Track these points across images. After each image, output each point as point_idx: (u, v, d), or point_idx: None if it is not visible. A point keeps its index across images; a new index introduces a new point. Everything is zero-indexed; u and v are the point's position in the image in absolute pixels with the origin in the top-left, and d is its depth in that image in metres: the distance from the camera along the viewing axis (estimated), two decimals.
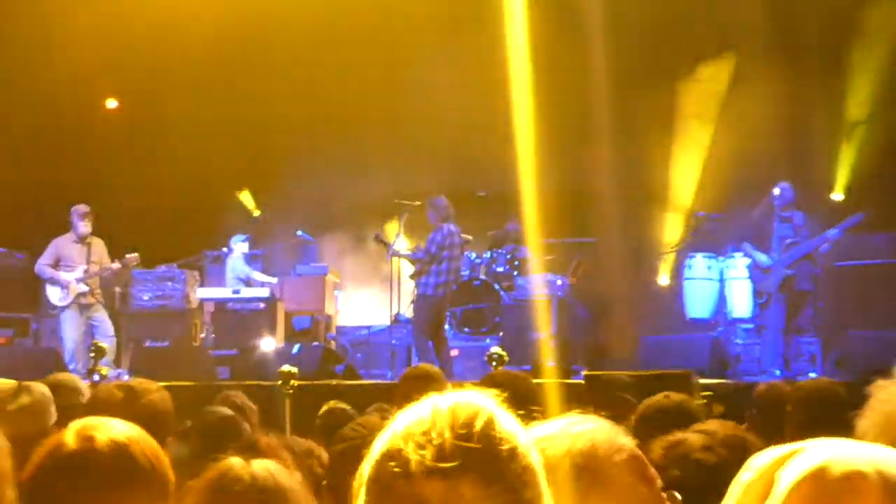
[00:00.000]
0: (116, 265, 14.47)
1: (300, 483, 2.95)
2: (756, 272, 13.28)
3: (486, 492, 1.62)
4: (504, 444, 1.68)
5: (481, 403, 1.73)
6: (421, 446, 1.64)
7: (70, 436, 2.53)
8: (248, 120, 17.60)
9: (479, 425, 1.67)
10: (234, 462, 2.87)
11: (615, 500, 2.26)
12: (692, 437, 3.39)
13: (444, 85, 16.45)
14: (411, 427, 1.69)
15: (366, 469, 1.71)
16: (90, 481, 2.46)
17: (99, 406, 3.93)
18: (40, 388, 5.28)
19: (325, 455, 4.55)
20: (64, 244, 14.41)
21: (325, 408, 7.15)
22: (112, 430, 2.57)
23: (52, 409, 5.21)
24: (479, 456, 1.65)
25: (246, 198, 19.37)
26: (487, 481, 1.63)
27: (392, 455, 1.67)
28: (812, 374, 12.57)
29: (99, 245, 14.53)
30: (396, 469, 1.65)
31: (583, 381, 10.55)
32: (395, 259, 15.30)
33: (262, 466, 2.89)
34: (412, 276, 14.54)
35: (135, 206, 17.61)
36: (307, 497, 2.98)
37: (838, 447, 1.61)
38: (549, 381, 11.74)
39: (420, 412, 1.71)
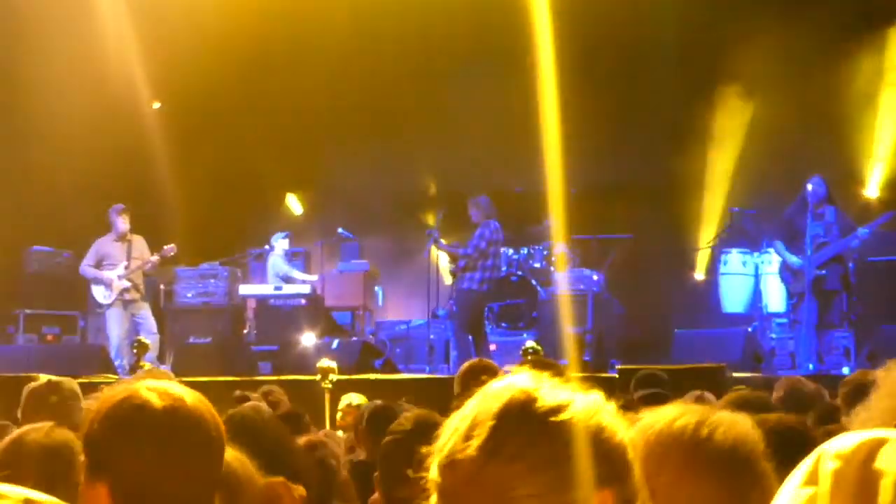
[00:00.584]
0: (156, 258, 14.73)
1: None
2: (786, 273, 13.31)
3: (540, 478, 1.63)
4: (532, 416, 1.67)
5: (533, 386, 1.71)
6: (471, 435, 1.66)
7: (151, 395, 2.47)
8: (290, 119, 17.78)
9: (532, 409, 1.67)
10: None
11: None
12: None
13: (481, 82, 16.61)
14: (470, 413, 1.69)
15: (435, 455, 1.71)
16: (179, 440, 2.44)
17: None
18: (70, 384, 5.51)
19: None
20: (105, 243, 14.71)
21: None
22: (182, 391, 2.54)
23: (80, 403, 5.45)
24: (531, 440, 1.65)
25: (292, 199, 19.57)
26: (539, 466, 1.63)
27: (451, 441, 1.68)
28: (846, 369, 12.65)
29: (140, 242, 14.81)
30: (456, 454, 1.66)
31: (617, 375, 10.70)
32: (433, 256, 15.46)
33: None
34: (454, 273, 14.68)
35: (179, 205, 17.87)
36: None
37: None
38: (584, 374, 11.95)
39: (479, 399, 1.71)
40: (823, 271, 12.79)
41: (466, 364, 7.62)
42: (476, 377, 6.25)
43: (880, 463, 1.52)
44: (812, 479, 1.60)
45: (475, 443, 1.64)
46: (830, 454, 1.59)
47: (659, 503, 2.16)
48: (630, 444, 1.75)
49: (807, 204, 12.87)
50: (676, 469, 2.30)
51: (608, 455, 1.70)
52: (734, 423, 2.40)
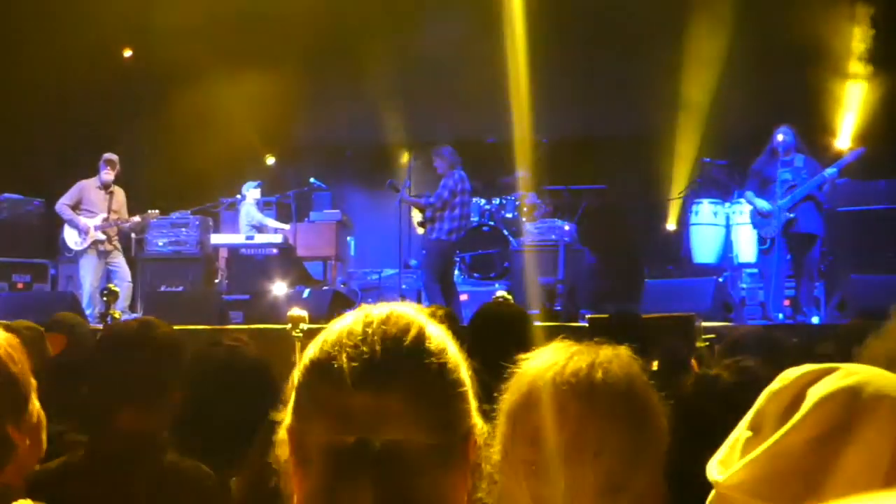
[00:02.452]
0: (136, 219, 14.71)
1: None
2: (757, 218, 13.32)
3: (414, 406, 1.62)
4: (434, 358, 1.67)
5: (414, 316, 1.71)
6: (352, 358, 1.63)
7: None
8: (262, 68, 17.71)
9: (409, 338, 1.66)
10: None
11: None
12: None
13: (455, 31, 16.55)
14: (343, 336, 1.67)
15: (296, 375, 1.71)
16: None
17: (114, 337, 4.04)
18: (27, 325, 5.49)
19: None
20: (88, 188, 14.63)
21: None
22: None
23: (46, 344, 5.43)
24: (408, 368, 1.64)
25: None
26: (416, 395, 1.63)
27: (322, 364, 1.66)
28: (815, 319, 12.73)
29: (120, 194, 14.76)
30: (326, 378, 1.64)
31: (588, 325, 10.74)
32: (405, 205, 15.48)
33: None
34: (421, 224, 14.71)
35: (150, 153, 17.80)
36: None
37: (873, 372, 1.58)
38: (556, 324, 12.01)
39: (352, 321, 1.70)
40: (793, 214, 12.77)
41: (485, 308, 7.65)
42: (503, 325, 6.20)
43: (816, 387, 1.55)
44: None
45: (394, 378, 1.64)
46: (779, 378, 1.62)
47: (568, 459, 2.20)
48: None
49: (776, 153, 12.85)
50: (578, 419, 2.24)
51: (468, 393, 1.74)
52: (620, 357, 2.35)
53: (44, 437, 2.60)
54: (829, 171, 12.64)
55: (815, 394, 1.53)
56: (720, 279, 13.97)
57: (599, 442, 2.22)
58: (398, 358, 1.64)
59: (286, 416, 1.71)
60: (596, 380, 2.27)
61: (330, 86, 18.04)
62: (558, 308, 14.21)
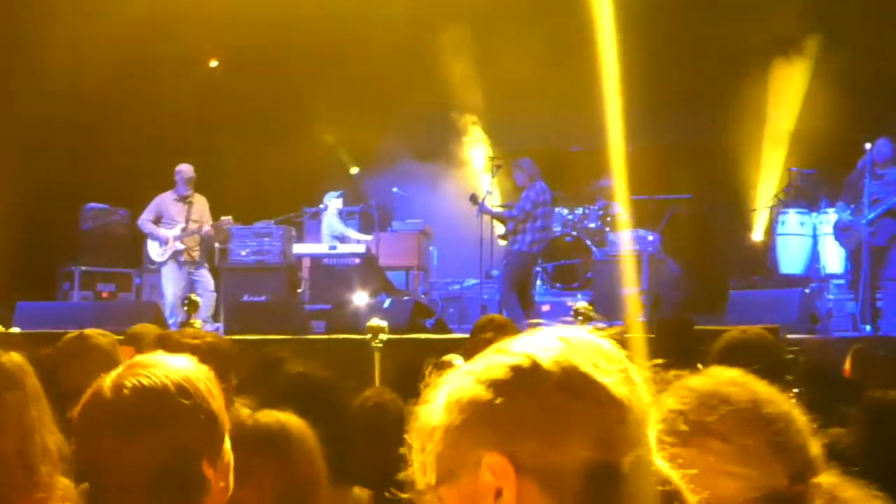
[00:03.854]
0: (209, 227, 14.77)
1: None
2: (838, 231, 13.17)
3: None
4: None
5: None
6: (605, 371, 1.62)
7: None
8: (349, 75, 17.79)
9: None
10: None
11: None
12: None
13: (538, 43, 16.49)
14: (593, 352, 1.66)
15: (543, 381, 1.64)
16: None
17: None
18: (98, 338, 5.50)
19: None
20: (166, 201, 14.76)
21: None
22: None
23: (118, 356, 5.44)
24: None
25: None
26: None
27: (570, 375, 1.63)
28: None
29: (200, 203, 14.85)
30: (579, 389, 1.61)
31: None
32: (486, 216, 15.42)
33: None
34: (502, 236, 14.67)
35: (235, 163, 17.93)
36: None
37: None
38: (636, 335, 11.84)
39: (599, 339, 1.69)
40: (873, 227, 12.58)
41: (482, 319, 7.60)
42: (484, 330, 6.19)
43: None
44: None
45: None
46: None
47: None
48: None
49: (874, 164, 12.66)
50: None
51: None
52: None
53: (231, 477, 2.53)
54: None
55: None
56: (806, 290, 13.75)
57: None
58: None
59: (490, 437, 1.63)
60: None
61: (414, 94, 18.03)
62: (642, 319, 14.06)
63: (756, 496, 2.09)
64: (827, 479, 2.08)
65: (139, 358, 2.50)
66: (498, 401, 1.61)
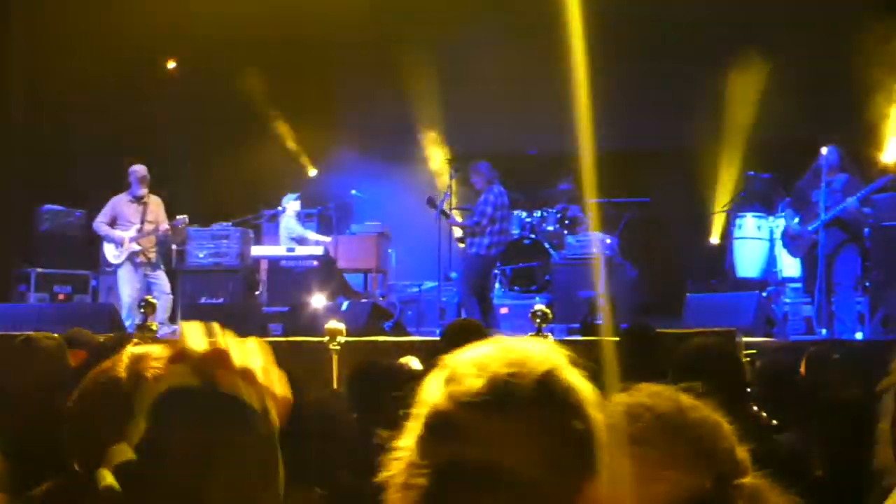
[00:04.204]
0: (165, 227, 14.70)
1: None
2: (786, 238, 13.31)
3: (526, 434, 1.63)
4: (558, 395, 1.68)
5: (547, 352, 1.74)
6: (471, 377, 1.66)
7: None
8: (308, 77, 17.76)
9: (538, 369, 1.68)
10: None
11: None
12: None
13: (496, 42, 16.52)
14: (473, 358, 1.70)
15: (424, 388, 1.73)
16: None
17: None
18: (46, 341, 5.47)
19: None
20: (120, 202, 14.69)
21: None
22: None
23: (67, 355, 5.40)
24: (527, 396, 1.65)
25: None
26: (530, 424, 1.64)
27: (449, 380, 1.69)
28: (859, 335, 12.58)
29: (155, 204, 14.77)
30: (449, 393, 1.67)
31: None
32: (444, 219, 15.41)
33: None
34: (461, 240, 14.69)
35: (191, 165, 17.87)
36: None
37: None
38: (595, 338, 11.89)
39: (486, 348, 1.74)
40: (817, 236, 12.70)
41: (457, 322, 7.60)
42: (466, 338, 6.21)
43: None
44: None
45: (508, 401, 1.64)
46: None
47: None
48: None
49: (819, 172, 12.76)
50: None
51: (598, 444, 1.73)
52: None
53: None
54: (850, 200, 12.56)
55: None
56: (763, 294, 13.83)
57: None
58: (519, 385, 1.66)
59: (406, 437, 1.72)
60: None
61: (372, 96, 18.02)
62: (598, 322, 14.09)
63: (684, 497, 2.15)
64: (750, 481, 2.14)
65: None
66: None
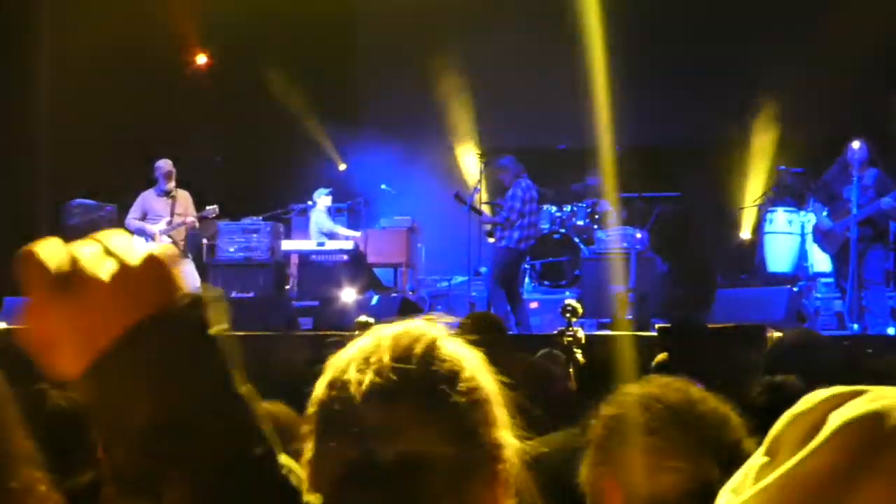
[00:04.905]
0: (193, 218, 14.75)
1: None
2: (818, 235, 13.21)
3: (425, 416, 1.62)
4: (445, 368, 1.67)
5: (425, 329, 1.73)
6: (361, 370, 1.64)
7: None
8: (338, 72, 17.78)
9: (419, 349, 1.67)
10: None
11: None
12: None
13: (527, 36, 16.50)
14: (355, 353, 1.68)
15: (313, 394, 1.71)
16: None
17: None
18: None
19: None
20: (149, 198, 14.76)
21: None
22: None
23: None
24: (417, 379, 1.64)
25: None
26: (426, 405, 1.63)
27: (334, 379, 1.67)
28: (891, 329, 12.51)
29: (184, 197, 14.83)
30: (337, 393, 1.65)
31: (656, 335, 10.59)
32: (474, 213, 15.40)
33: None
34: (490, 233, 14.68)
35: (223, 158, 17.91)
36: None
37: None
38: (624, 333, 11.85)
39: (365, 339, 1.72)
40: (849, 233, 12.60)
41: (473, 315, 7.59)
42: (480, 331, 6.19)
43: (839, 411, 1.37)
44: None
45: (404, 388, 1.63)
46: (803, 400, 1.44)
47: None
48: None
49: (848, 166, 12.65)
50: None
51: (492, 407, 1.72)
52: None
53: None
54: (886, 200, 12.41)
55: (836, 418, 1.35)
56: (794, 289, 13.76)
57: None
58: (405, 370, 1.63)
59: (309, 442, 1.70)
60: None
61: (401, 91, 18.02)
62: (629, 317, 14.06)
63: (690, 487, 2.19)
64: None
65: None
66: None
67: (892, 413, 1.33)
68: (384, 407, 1.61)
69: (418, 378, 1.64)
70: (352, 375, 1.64)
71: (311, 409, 1.71)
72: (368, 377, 1.63)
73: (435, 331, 1.73)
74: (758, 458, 1.41)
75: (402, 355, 1.65)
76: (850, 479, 1.31)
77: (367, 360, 1.65)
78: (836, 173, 12.92)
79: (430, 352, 1.67)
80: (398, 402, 1.61)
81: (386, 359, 1.64)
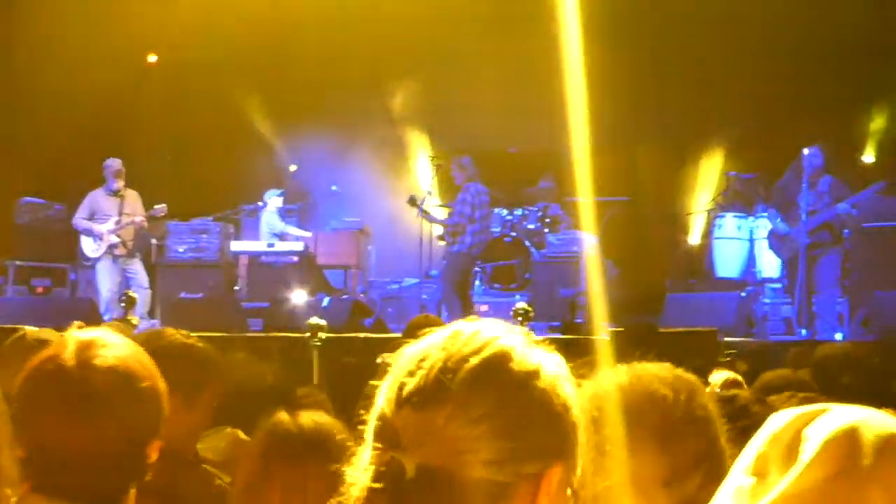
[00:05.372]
0: (141, 218, 14.66)
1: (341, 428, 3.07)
2: (773, 240, 13.29)
3: (462, 428, 1.53)
4: (509, 380, 1.58)
5: (499, 335, 1.63)
6: (411, 374, 1.57)
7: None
8: (289, 72, 17.71)
9: (480, 357, 1.58)
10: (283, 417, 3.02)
11: None
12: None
13: (478, 42, 16.50)
14: (413, 352, 1.61)
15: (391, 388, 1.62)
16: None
17: None
18: (33, 336, 5.38)
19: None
20: (97, 197, 14.65)
21: None
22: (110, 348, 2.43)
23: None
24: (464, 389, 1.54)
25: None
26: (467, 417, 1.53)
27: (389, 382, 1.61)
28: (839, 335, 12.60)
29: (133, 197, 14.74)
30: (382, 395, 1.60)
31: (607, 339, 10.62)
32: (425, 217, 15.39)
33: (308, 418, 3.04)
34: (442, 237, 14.68)
35: (173, 159, 17.80)
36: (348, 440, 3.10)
37: (867, 411, 1.46)
38: (576, 336, 11.89)
39: (434, 337, 1.63)
40: (810, 239, 12.69)
41: (417, 319, 7.59)
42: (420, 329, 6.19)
43: (814, 427, 1.44)
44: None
45: (442, 394, 1.55)
46: (772, 421, 1.50)
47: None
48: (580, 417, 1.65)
49: (802, 172, 12.75)
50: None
51: (567, 427, 1.62)
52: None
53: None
54: (842, 206, 12.54)
55: (816, 435, 1.42)
56: (743, 294, 13.85)
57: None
58: (456, 376, 1.55)
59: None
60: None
61: (354, 91, 17.97)
62: (579, 321, 14.09)
63: (664, 475, 2.16)
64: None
65: (89, 335, 2.46)
66: None
67: (863, 427, 1.41)
68: (418, 412, 1.54)
69: (466, 386, 1.55)
70: (401, 376, 1.59)
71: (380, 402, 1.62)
72: (414, 383, 1.56)
73: (510, 338, 1.63)
74: (744, 478, 1.45)
75: (457, 358, 1.57)
76: (849, 488, 1.36)
77: (421, 360, 1.58)
78: (790, 179, 13.01)
79: (494, 360, 1.58)
80: (434, 408, 1.54)
81: (440, 361, 1.57)
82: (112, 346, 2.43)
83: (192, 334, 3.97)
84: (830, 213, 12.61)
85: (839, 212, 12.55)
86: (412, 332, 6.23)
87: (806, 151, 12.70)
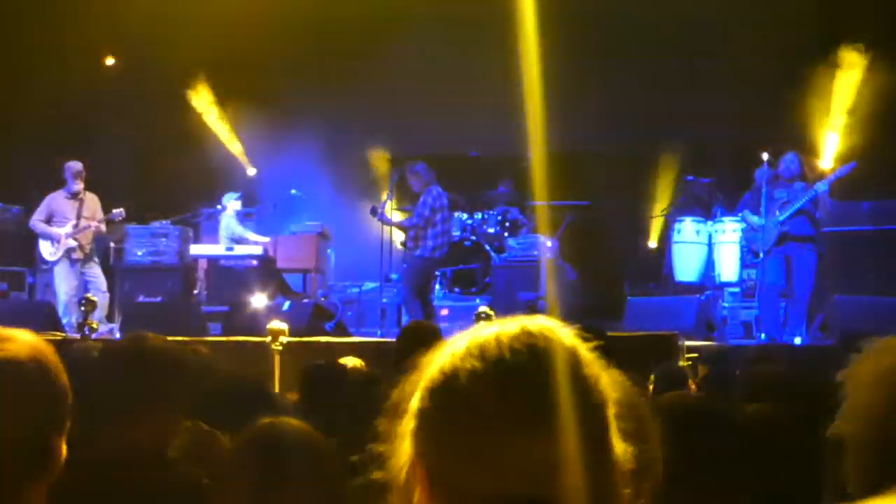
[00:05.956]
0: (98, 222, 14.56)
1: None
2: (751, 232, 13.09)
3: (580, 450, 1.45)
4: (591, 388, 1.52)
5: (558, 334, 1.57)
6: (500, 391, 1.47)
7: None
8: (249, 75, 17.65)
9: (563, 365, 1.51)
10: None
11: None
12: None
13: (439, 44, 16.50)
14: (479, 361, 1.50)
15: (420, 403, 1.53)
16: None
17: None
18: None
19: None
20: (56, 200, 14.53)
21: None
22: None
23: None
24: (568, 404, 1.46)
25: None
26: (580, 437, 1.45)
27: (461, 397, 1.49)
28: (797, 339, 12.65)
29: (92, 200, 14.63)
30: (472, 417, 1.46)
31: None
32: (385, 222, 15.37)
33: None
34: (405, 245, 14.69)
35: (131, 161, 17.69)
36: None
37: None
38: None
39: (484, 340, 1.53)
40: (787, 227, 12.59)
41: (411, 324, 7.59)
42: (421, 340, 6.23)
43: None
44: None
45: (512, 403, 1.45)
46: None
47: None
48: None
49: (778, 177, 12.73)
50: None
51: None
52: None
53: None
54: (821, 185, 12.49)
55: None
56: (702, 298, 13.91)
57: None
58: (554, 389, 1.46)
59: (405, 444, 1.53)
60: None
61: (312, 96, 17.93)
62: None
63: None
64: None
65: None
66: None
67: None
68: (536, 439, 1.44)
69: (569, 400, 1.47)
70: (490, 395, 1.47)
71: (419, 413, 1.52)
72: (511, 400, 1.46)
73: (567, 336, 1.58)
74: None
75: (544, 370, 1.49)
76: None
77: (503, 375, 1.49)
78: (768, 182, 12.90)
79: (577, 367, 1.53)
80: (550, 433, 1.44)
81: (527, 375, 1.49)
82: (15, 340, 2.42)
83: (168, 338, 4.00)
84: (811, 193, 12.48)
85: (817, 192, 12.44)
86: (408, 338, 6.28)
87: (783, 161, 12.69)
